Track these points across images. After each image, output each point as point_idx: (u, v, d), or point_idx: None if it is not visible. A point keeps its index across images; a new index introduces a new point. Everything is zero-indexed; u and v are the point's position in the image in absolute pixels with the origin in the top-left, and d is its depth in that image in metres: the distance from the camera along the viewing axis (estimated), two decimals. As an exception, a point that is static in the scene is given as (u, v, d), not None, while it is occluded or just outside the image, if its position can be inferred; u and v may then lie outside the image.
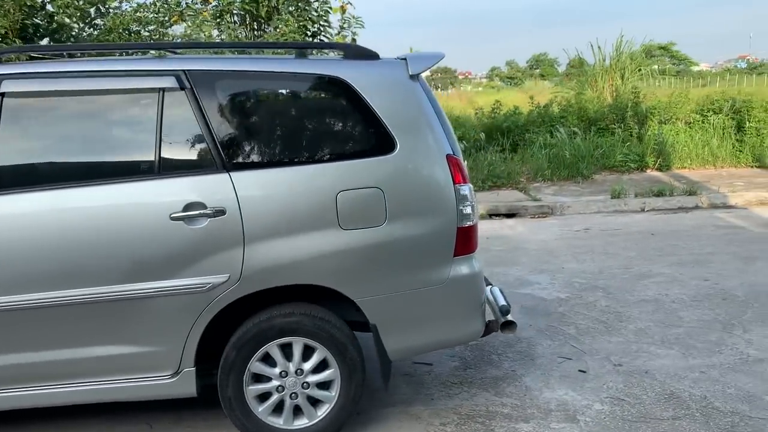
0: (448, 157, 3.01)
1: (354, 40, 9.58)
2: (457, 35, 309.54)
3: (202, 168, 2.89)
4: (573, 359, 4.00)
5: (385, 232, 2.94)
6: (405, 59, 3.09)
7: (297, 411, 3.04)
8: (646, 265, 5.97)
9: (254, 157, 2.95)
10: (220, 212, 2.83)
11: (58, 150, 2.95)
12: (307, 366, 3.00)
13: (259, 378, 3.01)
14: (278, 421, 3.02)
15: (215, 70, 2.97)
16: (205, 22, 10.02)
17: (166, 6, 10.87)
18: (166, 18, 11.01)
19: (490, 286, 3.65)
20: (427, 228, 2.99)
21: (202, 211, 2.82)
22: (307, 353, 3.01)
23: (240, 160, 2.91)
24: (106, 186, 2.86)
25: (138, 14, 10.93)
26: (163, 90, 2.89)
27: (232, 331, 3.00)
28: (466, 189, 3.04)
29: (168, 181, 2.87)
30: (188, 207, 2.82)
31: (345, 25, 9.57)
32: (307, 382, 3.02)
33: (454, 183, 3.00)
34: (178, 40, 10.56)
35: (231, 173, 2.87)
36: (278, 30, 9.18)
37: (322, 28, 9.92)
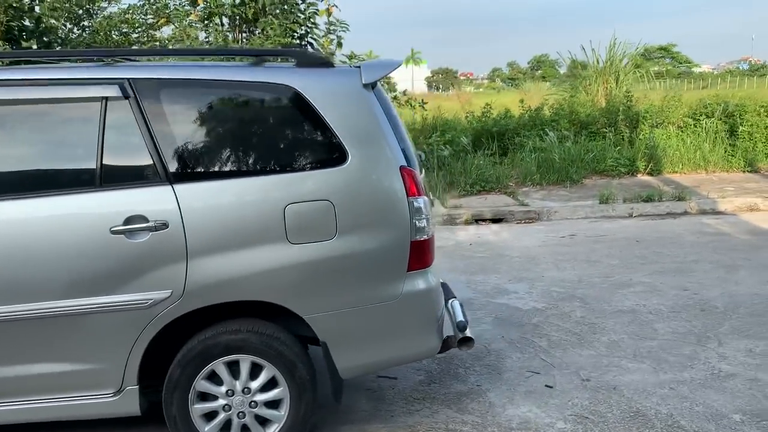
0: (402, 168, 2.91)
1: (340, 43, 9.50)
2: (460, 36, 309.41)
3: (144, 180, 2.80)
4: (541, 373, 3.90)
5: (335, 246, 2.85)
6: (359, 67, 3.00)
7: (245, 430, 2.95)
8: (628, 273, 5.86)
9: (199, 169, 2.86)
10: (162, 226, 2.74)
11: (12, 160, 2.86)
12: (255, 385, 2.91)
13: (205, 396, 2.92)
14: (227, 441, 2.93)
15: (160, 78, 2.87)
16: (192, 25, 9.93)
17: (154, 8, 10.80)
18: (154, 20, 10.94)
19: (452, 300, 3.56)
20: (379, 242, 2.90)
21: (143, 225, 2.73)
22: (255, 371, 2.91)
23: (184, 171, 2.82)
24: (45, 198, 2.77)
25: (126, 16, 10.86)
26: (106, 99, 2.80)
27: (180, 348, 2.90)
28: (420, 202, 2.95)
29: (109, 193, 2.78)
30: (129, 220, 2.73)
31: (332, 28, 9.48)
32: (254, 401, 2.92)
33: (408, 195, 2.91)
34: (165, 43, 10.50)
35: (174, 185, 2.78)
36: (265, 33, 9.10)
37: (309, 31, 9.84)
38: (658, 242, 6.98)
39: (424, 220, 2.96)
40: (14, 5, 9.62)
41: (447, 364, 4.07)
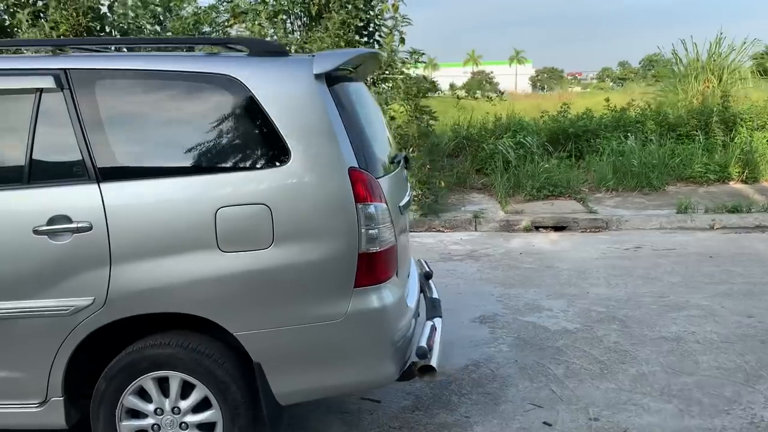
0: (351, 170, 2.56)
1: (402, 39, 9.18)
2: (568, 35, 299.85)
3: (72, 177, 2.60)
4: (544, 407, 3.41)
5: (271, 256, 2.53)
6: (312, 57, 2.68)
7: (177, 453, 2.70)
8: (686, 294, 5.18)
9: (128, 167, 2.63)
10: (86, 227, 2.53)
11: None
12: (185, 404, 2.65)
13: (137, 414, 2.69)
14: (155, 463, 2.69)
15: (95, 68, 2.67)
16: (260, 24, 9.92)
17: (229, 7, 10.87)
18: (227, 19, 11.05)
19: (434, 319, 3.16)
20: (321, 253, 2.56)
21: (66, 225, 2.54)
22: (187, 390, 2.65)
23: (112, 169, 2.59)
24: None
25: (200, 15, 11.03)
26: (41, 90, 2.62)
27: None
28: (372, 208, 2.58)
29: (35, 191, 2.60)
30: (53, 220, 2.54)
31: (396, 24, 9.18)
32: (185, 423, 2.66)
33: (357, 201, 2.55)
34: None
35: (101, 184, 2.57)
36: (325, 28, 8.92)
37: (376, 27, 9.59)
38: (734, 259, 6.17)
39: (376, 229, 2.59)
40: (92, 6, 9.98)
41: (442, 389, 3.66)
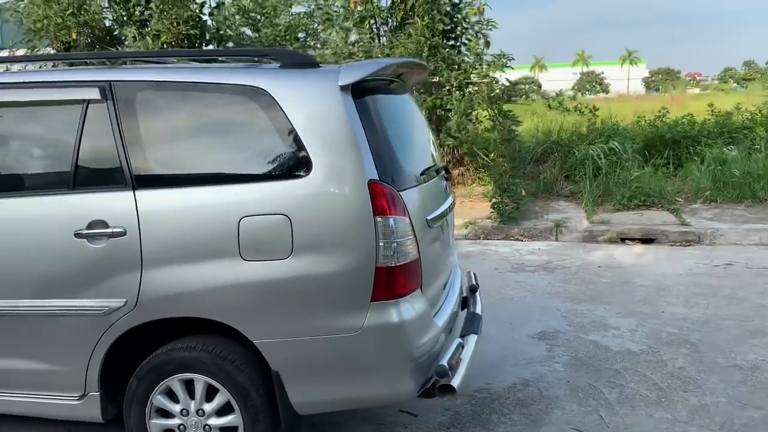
0: (370, 183, 2.53)
1: (488, 43, 9.04)
2: (687, 34, 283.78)
3: (112, 184, 2.73)
4: (587, 434, 3.24)
5: (290, 266, 2.56)
6: (340, 68, 2.68)
7: (202, 454, 2.78)
8: (774, 318, 4.76)
9: (161, 175, 2.73)
10: (121, 232, 2.66)
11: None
12: (209, 407, 2.73)
13: (166, 413, 2.79)
14: (181, 462, 2.79)
15: (136, 80, 2.80)
16: (348, 29, 10.08)
17: (323, 14, 11.07)
18: (317, 26, 11.29)
19: (468, 336, 3.08)
20: (339, 265, 2.55)
21: (103, 230, 2.67)
22: (211, 393, 2.73)
23: (146, 176, 2.71)
24: (21, 198, 2.83)
25: (292, 23, 11.33)
26: (88, 102, 2.78)
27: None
28: (390, 222, 2.55)
29: (78, 196, 2.76)
30: (92, 225, 2.69)
31: (480, 27, 9.06)
32: (209, 425, 2.74)
33: (375, 214, 2.52)
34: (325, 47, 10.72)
35: (137, 191, 2.69)
36: (407, 33, 8.94)
37: (463, 30, 9.52)
38: (839, 282, 5.61)
39: (395, 243, 2.55)
40: (192, 15, 10.50)
41: (483, 406, 3.55)
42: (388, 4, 9.51)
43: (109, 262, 2.68)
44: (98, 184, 2.77)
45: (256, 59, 3.10)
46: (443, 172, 3.31)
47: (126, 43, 9.15)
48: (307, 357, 2.61)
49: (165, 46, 9.41)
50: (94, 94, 2.77)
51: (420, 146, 3.28)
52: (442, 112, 9.08)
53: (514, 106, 9.32)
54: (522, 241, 7.76)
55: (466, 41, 9.58)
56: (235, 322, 2.63)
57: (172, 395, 2.77)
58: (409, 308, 2.63)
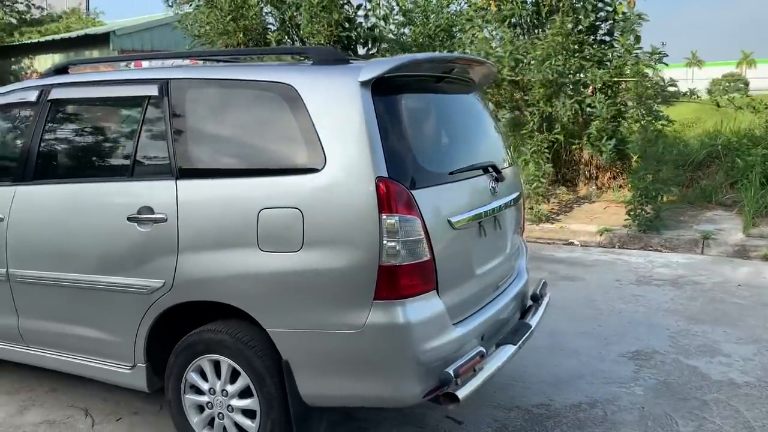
0: (378, 180, 2.50)
1: (638, 38, 8.38)
2: None
3: (160, 174, 2.96)
4: (639, 467, 2.92)
5: (300, 259, 2.60)
6: (364, 64, 2.67)
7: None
8: None
9: (198, 166, 2.90)
10: (163, 219, 2.87)
11: (73, 149, 3.37)
12: (231, 389, 2.86)
13: (198, 390, 2.97)
14: (209, 437, 2.96)
15: (185, 78, 3.01)
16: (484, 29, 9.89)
17: (465, 13, 10.96)
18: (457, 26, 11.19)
19: (503, 346, 2.93)
20: (343, 261, 2.54)
21: (149, 216, 2.91)
22: (236, 376, 2.86)
23: (186, 167, 2.90)
24: (90, 183, 3.17)
25: (442, 22, 11.37)
26: (149, 98, 3.05)
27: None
28: (396, 220, 2.49)
29: (135, 183, 3.03)
30: (141, 210, 2.93)
31: (630, 22, 8.43)
32: (231, 406, 2.87)
33: (381, 212, 2.48)
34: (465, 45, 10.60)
35: (178, 181, 2.89)
36: (547, 30, 8.58)
37: (613, 25, 8.94)
38: None
39: (401, 243, 2.49)
40: (346, 17, 10.92)
41: (535, 423, 3.35)
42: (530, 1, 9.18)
43: (152, 245, 2.91)
44: (150, 174, 3.02)
45: (296, 57, 3.18)
46: (491, 171, 3.15)
47: (270, 46, 9.74)
48: (313, 350, 2.64)
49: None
50: (153, 91, 3.03)
51: (462, 145, 3.15)
52: (585, 116, 8.57)
53: (682, 105, 8.56)
54: (660, 252, 7.13)
55: (615, 36, 8.98)
56: (252, 309, 2.72)
57: (204, 375, 2.94)
58: (416, 310, 2.55)
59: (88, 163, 3.35)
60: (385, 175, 2.51)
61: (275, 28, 10.74)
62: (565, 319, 4.86)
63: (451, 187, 2.83)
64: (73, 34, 13.96)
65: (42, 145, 3.33)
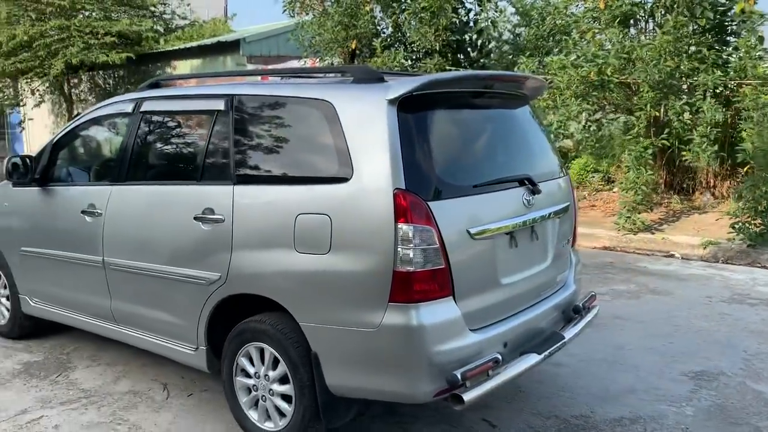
0: (395, 192, 2.70)
1: (761, 38, 7.87)
2: None
3: (222, 179, 3.32)
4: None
5: (327, 261, 2.86)
6: (392, 83, 2.88)
7: (268, 413, 3.23)
8: None
9: (250, 173, 3.24)
10: (221, 219, 3.24)
11: (158, 155, 3.83)
12: (273, 374, 3.16)
13: (247, 374, 3.31)
14: (254, 416, 3.28)
15: (245, 94, 3.36)
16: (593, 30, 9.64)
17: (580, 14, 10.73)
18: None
19: (526, 354, 3.02)
20: (363, 265, 2.77)
21: (211, 216, 3.29)
22: (276, 363, 3.16)
23: (241, 174, 3.24)
24: (167, 186, 3.61)
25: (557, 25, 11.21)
26: (218, 111, 3.43)
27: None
28: (410, 229, 2.67)
29: (201, 187, 3.42)
30: (205, 211, 3.32)
31: (753, 22, 7.94)
32: (272, 390, 3.18)
33: (397, 221, 2.68)
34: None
35: (235, 186, 3.24)
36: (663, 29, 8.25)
37: (732, 24, 8.46)
38: None
39: (412, 251, 2.67)
40: (456, 21, 11.05)
41: (570, 426, 3.38)
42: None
43: (212, 242, 3.29)
44: (214, 179, 3.38)
45: (339, 75, 3.42)
46: (527, 184, 3.23)
47: (376, 53, 10.07)
48: (338, 344, 2.89)
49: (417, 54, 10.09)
50: (221, 105, 3.41)
51: (494, 158, 3.27)
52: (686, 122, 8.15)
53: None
54: (768, 269, 6.69)
55: (734, 38, 8.47)
56: (287, 303, 3.02)
57: (251, 360, 3.27)
58: (429, 313, 2.72)
59: (168, 168, 3.82)
60: (403, 187, 2.71)
61: (387, 34, 11.10)
62: (637, 334, 4.78)
63: (474, 200, 2.96)
64: (207, 42, 15.14)
65: (134, 150, 3.83)
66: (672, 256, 7.39)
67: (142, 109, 3.84)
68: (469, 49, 11.80)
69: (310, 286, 2.94)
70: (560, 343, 3.23)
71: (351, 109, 2.92)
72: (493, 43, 11.79)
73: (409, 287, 2.70)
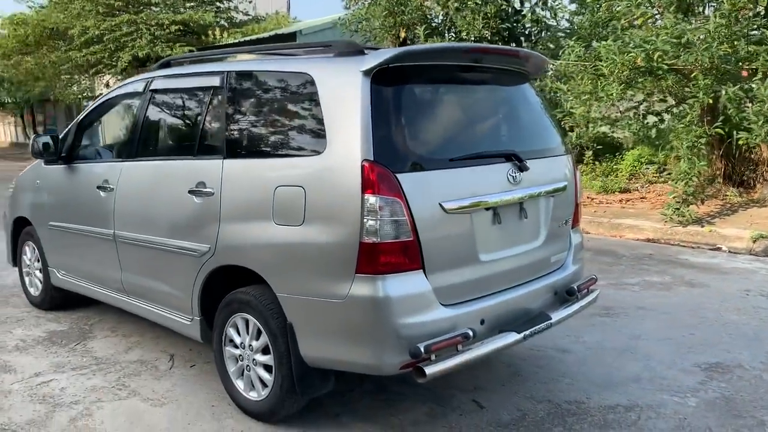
0: (363, 163, 2.69)
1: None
2: None
3: (213, 154, 3.40)
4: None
5: (300, 232, 2.88)
6: (369, 55, 2.87)
7: (255, 382, 3.29)
8: None
9: (237, 147, 3.30)
10: (211, 192, 3.32)
11: (162, 131, 3.95)
12: (255, 344, 3.21)
13: (235, 344, 3.38)
14: (241, 385, 3.35)
15: (236, 70, 3.42)
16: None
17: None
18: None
19: (504, 332, 2.96)
20: (332, 237, 2.78)
21: (203, 189, 3.37)
22: (259, 334, 3.21)
23: (230, 148, 3.30)
24: (165, 161, 3.74)
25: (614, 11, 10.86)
26: (214, 88, 3.51)
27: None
28: (376, 201, 2.66)
29: (196, 161, 3.51)
30: (198, 184, 3.41)
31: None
32: (255, 360, 3.24)
33: (363, 192, 2.68)
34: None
35: (224, 160, 3.31)
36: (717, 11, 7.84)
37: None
38: None
39: (377, 222, 2.66)
40: (512, 7, 10.87)
41: (557, 417, 3.29)
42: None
43: (203, 215, 3.37)
44: (208, 153, 3.46)
45: (326, 48, 3.41)
46: (515, 160, 3.14)
47: (419, 39, 10.01)
48: (310, 315, 2.90)
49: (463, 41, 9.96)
50: (216, 82, 3.49)
51: (478, 133, 3.20)
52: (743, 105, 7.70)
53: None
54: (821, 264, 6.28)
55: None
56: (266, 275, 3.06)
57: (238, 331, 3.33)
58: (396, 285, 2.70)
59: (170, 144, 3.94)
60: (371, 158, 2.69)
61: (437, 22, 11.03)
62: (658, 325, 4.59)
63: (450, 173, 2.91)
64: (265, 35, 15.46)
65: (142, 127, 3.97)
66: (718, 249, 7.04)
67: (151, 87, 3.97)
68: (522, 38, 11.60)
69: (285, 257, 2.97)
70: (545, 324, 3.14)
71: (328, 81, 2.93)
72: (548, 32, 11.53)
73: (375, 259, 2.69)
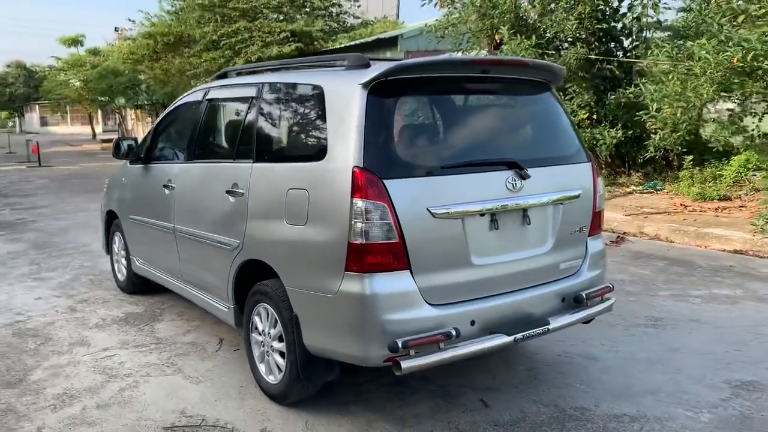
0: (354, 169, 2.91)
1: None
2: None
3: (246, 158, 3.74)
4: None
5: (305, 232, 3.15)
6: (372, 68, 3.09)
7: (272, 367, 3.60)
8: None
9: (263, 151, 3.62)
10: (242, 193, 3.67)
11: (212, 136, 4.35)
12: (273, 332, 3.52)
13: (259, 331, 3.70)
14: (263, 369, 3.67)
15: (267, 82, 3.75)
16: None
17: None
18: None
19: (495, 334, 3.07)
20: (326, 237, 3.02)
21: (236, 190, 3.73)
22: (277, 323, 3.51)
23: (258, 152, 3.63)
24: (209, 163, 4.14)
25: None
26: (251, 98, 3.87)
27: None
28: (362, 204, 2.87)
29: (233, 164, 3.87)
30: (234, 185, 3.77)
31: None
32: (272, 346, 3.54)
33: (352, 196, 2.90)
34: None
35: (253, 164, 3.65)
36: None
37: None
38: None
39: (365, 224, 2.86)
40: (609, 6, 10.57)
41: (557, 422, 3.34)
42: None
43: (235, 213, 3.72)
44: (243, 157, 3.81)
45: (340, 61, 3.63)
46: (517, 168, 3.22)
47: (504, 40, 9.93)
48: (310, 307, 3.16)
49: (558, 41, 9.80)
50: (253, 92, 3.83)
51: (475, 141, 3.30)
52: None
53: None
54: None
55: None
56: (278, 269, 3.35)
57: (261, 319, 3.65)
58: (382, 284, 2.89)
59: (216, 147, 4.35)
60: (362, 165, 2.91)
61: (530, 23, 10.91)
62: (705, 338, 4.45)
63: (440, 180, 3.04)
64: (367, 39, 15.92)
65: (198, 132, 4.41)
66: (811, 264, 6.55)
67: (207, 97, 4.40)
68: (622, 38, 11.23)
69: (292, 254, 3.25)
70: (540, 329, 3.20)
71: (334, 92, 3.18)
72: (652, 32, 11.08)
73: (362, 258, 2.90)
